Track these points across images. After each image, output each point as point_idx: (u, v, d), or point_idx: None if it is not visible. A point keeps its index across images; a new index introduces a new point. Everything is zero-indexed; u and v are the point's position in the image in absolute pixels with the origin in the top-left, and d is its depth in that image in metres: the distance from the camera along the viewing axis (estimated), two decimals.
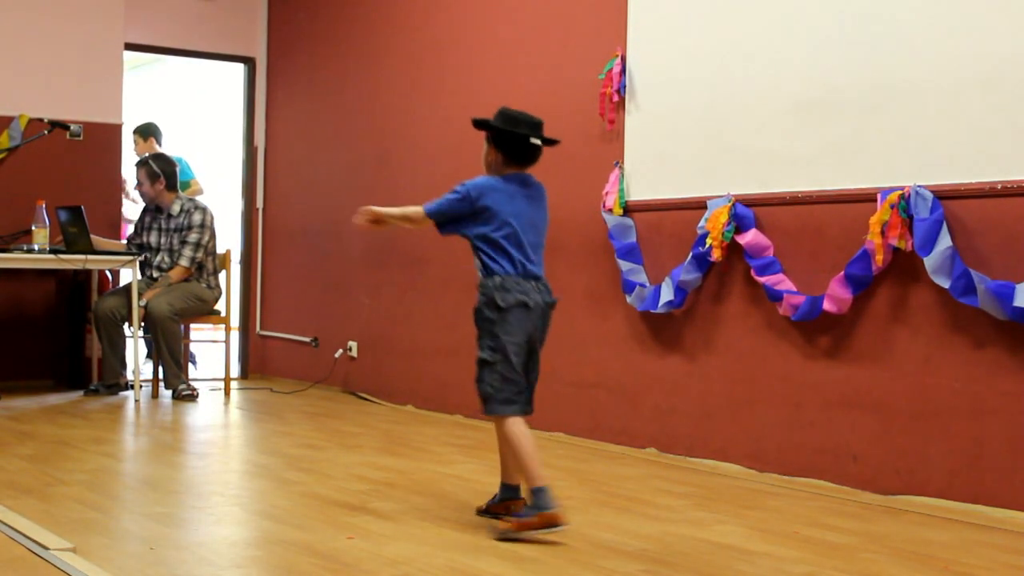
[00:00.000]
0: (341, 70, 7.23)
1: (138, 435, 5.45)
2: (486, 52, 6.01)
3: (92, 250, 6.32)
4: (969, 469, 3.84)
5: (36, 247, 6.21)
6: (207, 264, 6.74)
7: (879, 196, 4.01)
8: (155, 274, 6.74)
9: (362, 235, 6.97)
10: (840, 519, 3.71)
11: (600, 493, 4.07)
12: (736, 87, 4.64)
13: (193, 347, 7.82)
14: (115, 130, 7.27)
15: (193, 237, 6.65)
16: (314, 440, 5.19)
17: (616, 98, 5.12)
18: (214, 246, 6.78)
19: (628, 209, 5.10)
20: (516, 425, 3.37)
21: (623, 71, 5.10)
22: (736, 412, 4.63)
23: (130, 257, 6.43)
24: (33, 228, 6.27)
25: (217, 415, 6.10)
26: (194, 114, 11.62)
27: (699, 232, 4.66)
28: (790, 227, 4.43)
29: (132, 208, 8.07)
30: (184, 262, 6.61)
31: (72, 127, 6.98)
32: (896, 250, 4.01)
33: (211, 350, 9.06)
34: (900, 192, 3.95)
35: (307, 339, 7.48)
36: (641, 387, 5.05)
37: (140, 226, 6.89)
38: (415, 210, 3.49)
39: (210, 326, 8.41)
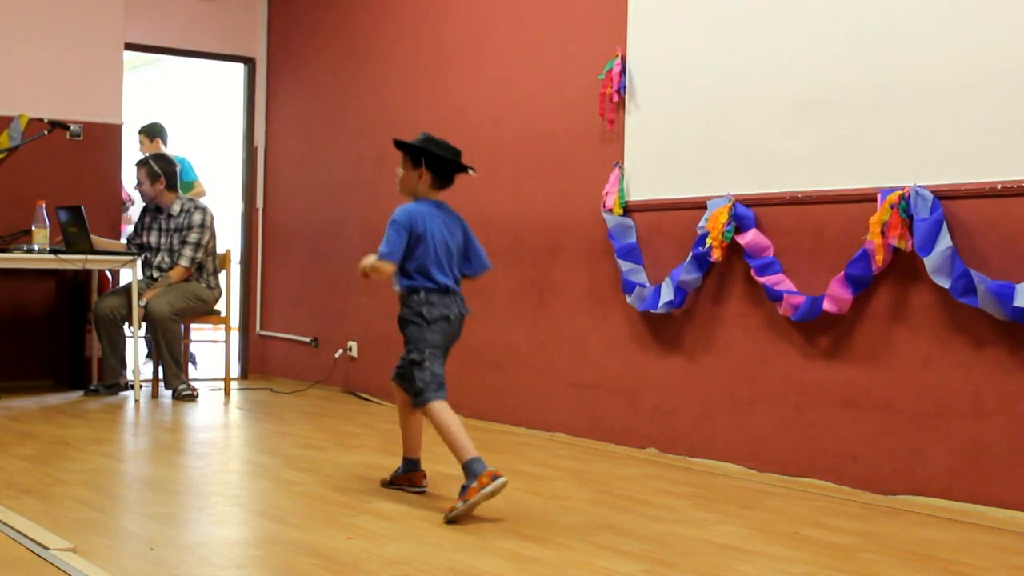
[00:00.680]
0: (341, 70, 7.23)
1: (138, 435, 5.45)
2: (486, 52, 6.01)
3: (92, 250, 6.32)
4: (969, 469, 3.84)
5: (36, 247, 6.21)
6: (207, 264, 6.74)
7: (879, 196, 4.01)
8: (155, 274, 6.74)
9: (362, 235, 6.97)
10: (840, 519, 3.71)
11: (600, 493, 4.07)
12: (736, 87, 4.64)
13: (193, 347, 7.83)
14: (115, 130, 7.27)
15: (193, 237, 6.65)
16: (314, 440, 5.19)
17: (616, 98, 5.12)
18: (214, 246, 6.79)
19: (628, 209, 5.10)
20: (444, 408, 3.73)
21: (623, 71, 5.10)
22: (736, 412, 4.63)
23: (130, 257, 6.44)
24: (33, 228, 6.27)
25: (217, 415, 6.10)
26: (194, 114, 11.62)
27: (699, 232, 4.66)
28: (790, 227, 4.43)
29: (136, 212, 8.07)
30: (184, 262, 6.61)
31: (72, 127, 6.98)
32: (896, 250, 4.01)
33: (211, 350, 9.06)
34: (900, 192, 3.95)
35: (307, 339, 7.48)
36: (641, 387, 5.05)
37: (140, 226, 6.89)
38: (376, 263, 3.79)
39: (210, 326, 8.41)
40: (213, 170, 9.73)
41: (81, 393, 6.66)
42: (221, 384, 7.04)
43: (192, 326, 7.14)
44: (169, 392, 6.61)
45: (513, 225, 5.72)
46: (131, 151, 7.91)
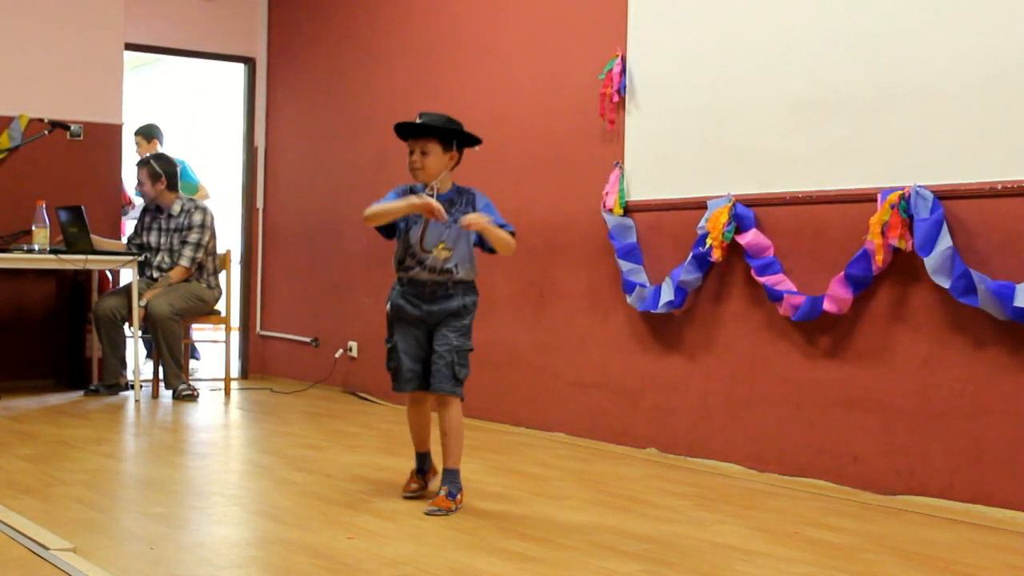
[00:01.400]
0: (341, 70, 7.23)
1: (138, 435, 5.45)
2: (486, 52, 6.01)
3: (92, 250, 6.32)
4: (969, 469, 3.84)
5: (36, 247, 6.21)
6: (207, 264, 6.74)
7: (879, 196, 4.01)
8: (155, 274, 6.74)
9: (362, 235, 6.97)
10: (840, 519, 3.71)
11: (600, 493, 4.07)
12: (736, 87, 4.64)
13: (195, 343, 7.82)
14: (115, 130, 7.27)
15: (193, 237, 6.65)
16: (314, 440, 5.19)
17: (616, 98, 5.12)
18: (214, 246, 6.79)
19: (628, 209, 5.10)
20: None
21: (623, 71, 5.10)
22: (736, 412, 4.63)
23: (130, 257, 6.44)
24: (33, 228, 6.27)
25: (217, 415, 6.10)
26: (194, 114, 11.62)
27: (699, 232, 4.66)
28: (790, 227, 4.43)
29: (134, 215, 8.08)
30: (184, 262, 6.61)
31: (72, 127, 6.98)
32: (896, 250, 4.01)
33: (211, 350, 9.06)
34: (900, 192, 3.95)
35: (307, 339, 7.48)
36: (641, 387, 5.05)
37: (140, 226, 6.89)
38: (507, 237, 3.67)
39: (210, 326, 8.41)
40: (213, 170, 9.74)
41: (81, 393, 6.66)
42: (221, 384, 7.04)
43: (192, 326, 7.13)
44: (169, 392, 6.61)
45: (513, 225, 5.71)
46: (131, 151, 7.90)
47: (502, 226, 3.65)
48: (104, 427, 5.47)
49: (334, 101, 7.30)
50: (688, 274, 4.72)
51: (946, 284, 3.81)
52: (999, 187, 3.76)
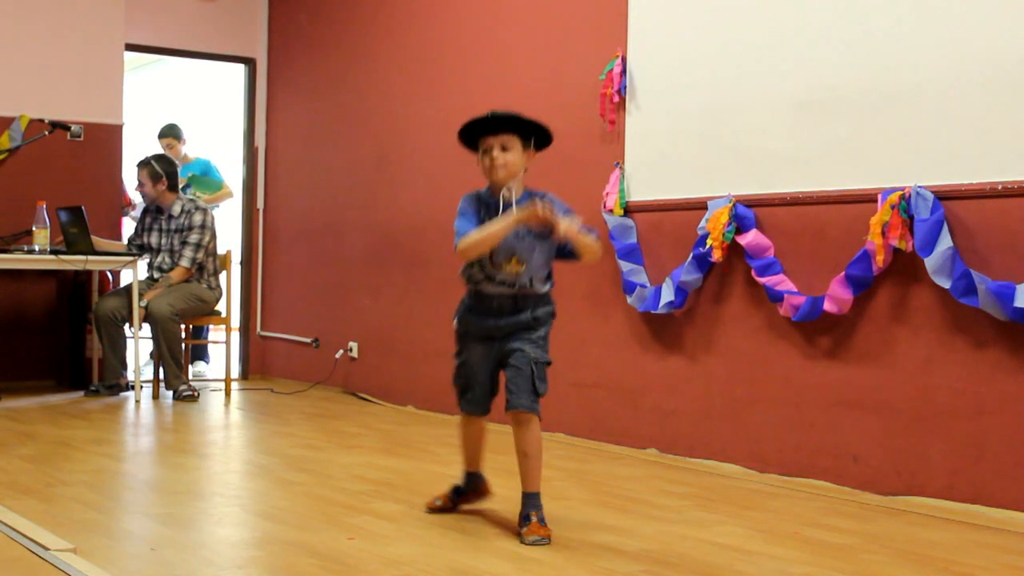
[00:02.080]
0: (342, 71, 7.23)
1: (139, 436, 5.45)
2: (486, 52, 6.01)
3: (93, 251, 6.32)
4: (970, 470, 3.84)
5: (37, 248, 6.21)
6: (208, 265, 6.74)
7: (880, 196, 4.01)
8: (156, 275, 6.74)
9: (362, 235, 6.98)
10: (841, 520, 3.71)
11: (600, 494, 4.07)
12: (737, 87, 4.64)
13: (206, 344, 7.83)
14: (116, 131, 7.28)
15: (194, 238, 6.65)
16: (315, 441, 5.19)
17: (616, 98, 5.12)
18: (215, 247, 6.79)
19: (628, 210, 5.10)
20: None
21: (623, 71, 5.10)
22: (737, 413, 4.63)
23: (131, 258, 6.44)
24: (34, 229, 6.27)
25: (218, 416, 6.10)
26: (195, 115, 11.62)
27: (700, 233, 4.66)
28: (791, 228, 4.43)
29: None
30: (185, 263, 6.62)
31: (73, 128, 6.98)
32: (897, 251, 4.01)
33: (212, 351, 9.06)
34: (901, 192, 3.95)
35: (308, 340, 7.48)
36: (642, 388, 5.05)
37: (141, 227, 6.89)
38: (596, 243, 3.40)
39: (210, 327, 8.41)
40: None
41: (82, 394, 6.66)
42: (222, 385, 7.05)
43: (208, 327, 7.15)
44: (170, 393, 6.61)
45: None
46: (132, 152, 7.90)
47: (589, 231, 3.34)
48: (104, 428, 5.47)
49: (334, 101, 7.30)
50: (688, 274, 4.72)
51: (946, 284, 3.81)
52: (999, 187, 3.76)
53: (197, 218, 6.69)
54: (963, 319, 3.87)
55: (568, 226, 3.21)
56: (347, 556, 3.08)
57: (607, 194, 5.15)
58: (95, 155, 7.18)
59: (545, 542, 3.24)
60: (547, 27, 5.62)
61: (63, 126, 6.84)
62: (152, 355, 6.91)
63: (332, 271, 7.29)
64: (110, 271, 6.98)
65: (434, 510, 3.65)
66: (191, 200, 6.85)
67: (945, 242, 3.82)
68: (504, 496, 3.83)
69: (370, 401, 6.73)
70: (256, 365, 8.05)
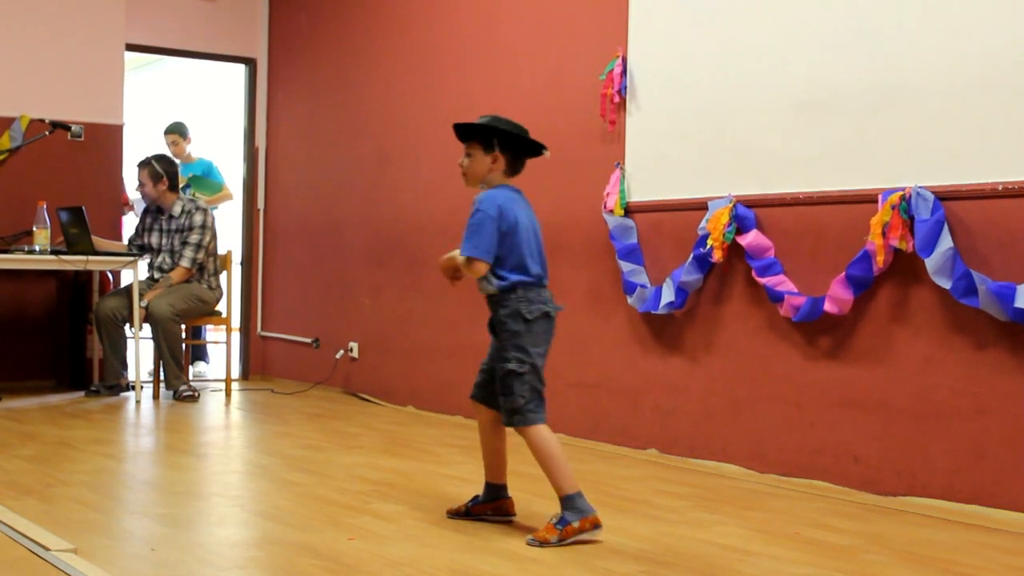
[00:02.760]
0: (342, 71, 7.23)
1: (139, 436, 5.46)
2: (487, 52, 6.01)
3: (93, 251, 6.32)
4: (970, 470, 3.84)
5: (37, 248, 6.21)
6: (208, 265, 6.74)
7: (880, 197, 4.01)
8: (156, 275, 6.74)
9: (363, 235, 6.98)
10: (841, 520, 3.71)
11: (601, 494, 4.07)
12: (737, 88, 4.64)
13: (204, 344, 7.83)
14: (116, 131, 7.28)
15: (194, 238, 6.65)
16: (315, 441, 5.19)
17: (617, 99, 5.12)
18: (215, 247, 6.79)
19: (629, 210, 5.10)
20: (547, 432, 3.35)
21: (624, 72, 5.09)
22: (737, 413, 4.63)
23: (131, 258, 6.44)
24: (34, 229, 6.27)
25: (218, 416, 6.10)
26: (195, 115, 11.61)
27: (700, 233, 4.66)
28: (791, 228, 4.43)
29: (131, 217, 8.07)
30: (185, 263, 6.62)
31: (73, 128, 6.98)
32: (897, 251, 4.01)
33: (212, 351, 9.06)
34: (901, 193, 3.95)
35: (308, 340, 7.48)
36: (642, 388, 5.05)
37: (141, 227, 6.89)
38: (469, 265, 3.39)
39: (211, 327, 8.41)
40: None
41: (82, 394, 6.66)
42: (222, 385, 7.05)
43: (206, 328, 7.14)
44: (170, 393, 6.61)
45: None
46: (132, 152, 7.90)
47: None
48: (105, 428, 5.47)
49: (335, 101, 7.30)
50: (689, 275, 4.72)
51: (947, 285, 3.81)
52: (1000, 187, 3.76)
53: (197, 218, 6.69)
54: (963, 319, 3.87)
55: (444, 269, 3.49)
56: (347, 556, 3.08)
57: (607, 194, 5.15)
58: (96, 155, 7.18)
59: (534, 543, 3.23)
60: (547, 27, 5.62)
61: (63, 126, 6.84)
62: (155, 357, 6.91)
63: (332, 271, 7.29)
64: (110, 271, 6.98)
65: (452, 515, 3.58)
66: (191, 200, 6.85)
67: (945, 242, 3.82)
68: None
69: (370, 401, 6.73)
70: (256, 365, 8.05)
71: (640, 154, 5.07)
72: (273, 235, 7.98)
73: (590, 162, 5.29)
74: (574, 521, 3.25)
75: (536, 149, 3.51)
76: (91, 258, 6.28)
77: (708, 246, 4.59)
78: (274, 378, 7.85)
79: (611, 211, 5.12)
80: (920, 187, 3.92)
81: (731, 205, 4.54)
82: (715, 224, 4.56)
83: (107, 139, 7.23)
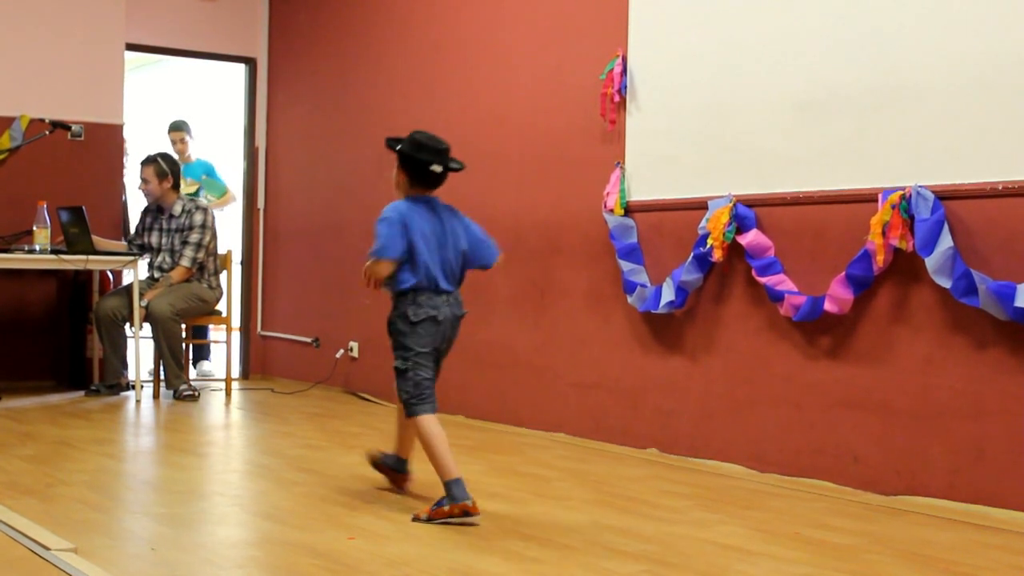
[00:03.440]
0: (342, 70, 7.23)
1: (139, 435, 5.45)
2: (487, 52, 6.01)
3: (93, 250, 6.32)
4: (971, 470, 3.84)
5: (37, 247, 6.21)
6: (208, 264, 6.74)
7: (880, 196, 4.01)
8: (156, 274, 6.74)
9: (363, 235, 6.97)
10: (841, 520, 3.71)
11: (601, 494, 4.07)
12: (737, 87, 4.64)
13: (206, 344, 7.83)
14: (116, 130, 7.28)
15: (194, 237, 6.65)
16: (315, 441, 5.19)
17: (617, 98, 5.12)
18: (215, 246, 6.79)
19: (629, 209, 5.10)
20: (430, 423, 3.64)
21: (624, 71, 5.09)
22: (737, 413, 4.63)
23: (131, 257, 6.44)
24: (34, 228, 6.27)
25: (218, 416, 6.10)
26: (195, 115, 11.61)
27: (700, 232, 4.66)
28: (791, 227, 4.43)
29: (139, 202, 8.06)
30: (185, 262, 6.62)
31: (73, 127, 6.98)
32: (897, 250, 4.01)
33: (212, 351, 9.06)
34: (901, 192, 3.95)
35: (308, 339, 7.48)
36: (642, 388, 5.05)
37: (141, 227, 6.89)
38: (372, 265, 3.67)
39: (211, 326, 8.42)
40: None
41: (82, 393, 6.66)
42: (222, 384, 7.04)
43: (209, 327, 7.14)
44: (170, 392, 6.61)
45: (514, 225, 5.72)
46: (132, 152, 7.90)
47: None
48: (105, 427, 5.47)
49: (335, 101, 7.30)
50: (689, 274, 4.72)
51: (947, 284, 3.81)
52: (1000, 187, 3.76)
53: (198, 218, 6.69)
54: (963, 319, 3.87)
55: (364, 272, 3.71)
56: (347, 556, 3.08)
57: (608, 194, 5.15)
58: (96, 155, 7.18)
59: (422, 519, 3.48)
60: (547, 27, 5.62)
61: (64, 126, 6.84)
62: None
63: (332, 271, 7.28)
64: (110, 271, 6.98)
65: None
66: (192, 200, 6.85)
67: (945, 242, 3.81)
68: (504, 496, 3.85)
69: (371, 401, 6.73)
70: (256, 365, 8.05)
71: (640, 154, 5.07)
72: (273, 235, 7.98)
73: (590, 162, 5.29)
74: (446, 505, 3.48)
75: (442, 168, 3.73)
76: (91, 258, 6.28)
77: (708, 245, 4.59)
78: (274, 378, 7.85)
79: (611, 211, 5.12)
80: (920, 186, 3.92)
81: (731, 204, 4.54)
82: (715, 223, 4.56)
83: (107, 139, 7.23)
